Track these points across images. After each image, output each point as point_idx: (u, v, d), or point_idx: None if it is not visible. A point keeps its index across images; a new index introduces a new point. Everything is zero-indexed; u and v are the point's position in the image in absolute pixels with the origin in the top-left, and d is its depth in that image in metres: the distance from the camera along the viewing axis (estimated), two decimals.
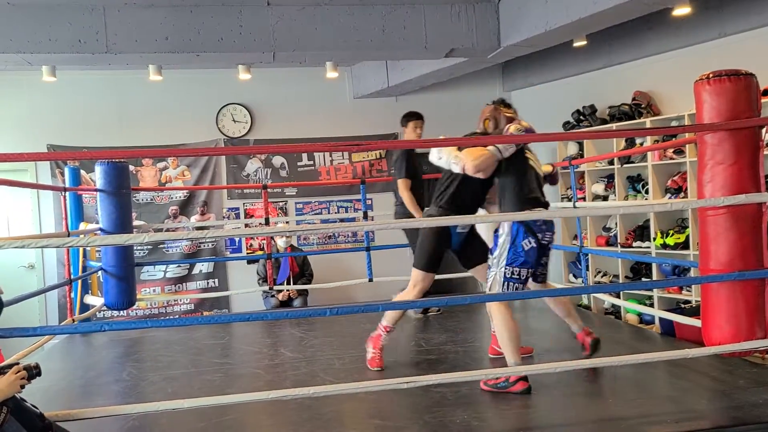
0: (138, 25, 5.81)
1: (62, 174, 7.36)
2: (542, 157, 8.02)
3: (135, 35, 5.82)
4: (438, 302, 4.25)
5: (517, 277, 3.76)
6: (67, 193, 5.85)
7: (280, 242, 7.68)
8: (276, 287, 7.10)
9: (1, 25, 5.60)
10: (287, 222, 8.33)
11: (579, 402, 3.51)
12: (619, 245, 7.02)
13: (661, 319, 5.32)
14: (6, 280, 7.03)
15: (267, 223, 6.54)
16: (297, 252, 7.93)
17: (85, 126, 7.86)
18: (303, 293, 7.50)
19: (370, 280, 6.66)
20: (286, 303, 7.48)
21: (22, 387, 2.54)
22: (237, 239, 8.37)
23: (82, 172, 7.27)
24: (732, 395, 3.37)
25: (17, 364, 2.60)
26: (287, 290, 7.38)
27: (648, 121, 6.70)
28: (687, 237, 6.32)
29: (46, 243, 3.08)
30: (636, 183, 7.02)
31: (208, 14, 5.91)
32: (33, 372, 2.59)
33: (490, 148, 3.91)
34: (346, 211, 8.54)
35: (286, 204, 8.52)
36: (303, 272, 7.71)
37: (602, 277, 7.40)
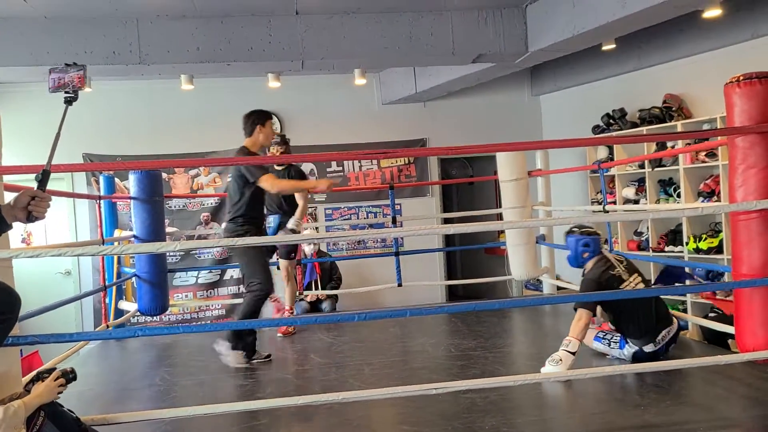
0: (170, 36, 5.92)
1: (97, 182, 7.52)
2: (571, 162, 8.00)
3: (167, 46, 5.94)
4: (467, 307, 4.26)
5: None
6: (102, 201, 5.97)
7: (307, 248, 7.74)
8: (305, 292, 7.18)
9: (38, 38, 5.75)
10: (317, 228, 8.39)
11: (611, 409, 3.48)
12: (650, 249, 6.94)
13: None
14: (43, 286, 7.24)
15: None
16: (324, 257, 7.99)
17: (119, 135, 8.03)
18: (332, 297, 7.54)
19: (399, 285, 6.67)
20: (315, 306, 7.53)
21: (60, 393, 2.60)
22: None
23: (116, 179, 7.42)
24: (766, 403, 3.32)
25: (55, 369, 2.66)
26: (315, 294, 7.46)
27: (679, 125, 6.62)
28: (720, 241, 6.22)
29: (82, 251, 3.15)
30: (668, 186, 6.94)
31: (238, 24, 6.01)
32: (69, 377, 2.65)
33: None
34: (375, 217, 8.57)
35: (315, 210, 8.58)
36: (330, 276, 7.76)
37: None
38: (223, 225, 4.82)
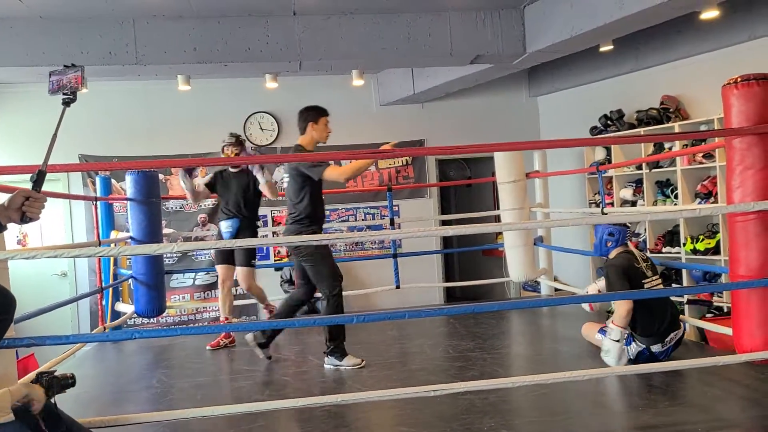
0: (167, 36, 5.91)
1: (93, 183, 7.50)
2: (569, 163, 8.00)
3: (164, 47, 5.92)
4: (466, 309, 4.24)
5: None
6: (99, 202, 5.96)
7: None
8: None
9: (33, 39, 5.73)
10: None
11: (609, 410, 3.48)
12: (648, 250, 6.94)
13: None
14: (39, 288, 7.20)
15: None
16: None
17: (115, 136, 8.01)
18: None
19: (397, 287, 6.66)
20: (312, 306, 7.53)
21: (55, 392, 2.57)
22: (265, 246, 8.44)
23: (113, 180, 7.40)
24: (764, 403, 3.32)
25: (55, 371, 2.65)
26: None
27: (677, 126, 6.62)
28: (718, 242, 6.23)
29: (79, 252, 3.14)
30: (665, 188, 6.94)
31: (236, 25, 5.99)
32: (68, 382, 2.63)
33: None
34: (373, 218, 8.55)
35: None
36: None
37: None
38: (286, 226, 4.62)
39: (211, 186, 5.47)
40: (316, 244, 4.32)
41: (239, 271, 5.29)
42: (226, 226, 5.24)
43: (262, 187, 5.19)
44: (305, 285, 4.62)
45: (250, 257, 5.29)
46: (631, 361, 4.05)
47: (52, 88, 2.58)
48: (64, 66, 2.59)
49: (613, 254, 4.30)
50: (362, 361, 4.40)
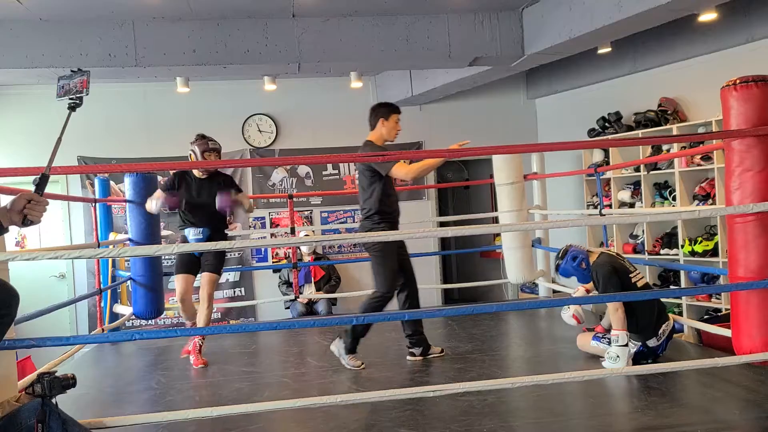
0: (166, 38, 5.92)
1: (92, 185, 7.50)
2: (567, 165, 8.01)
3: (163, 48, 5.93)
4: (464, 310, 4.24)
5: None
6: (97, 204, 5.96)
7: (304, 249, 7.78)
8: (305, 295, 7.19)
9: (33, 40, 5.74)
10: (313, 231, 8.39)
11: (608, 411, 3.49)
12: (646, 252, 6.95)
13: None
14: (38, 290, 7.19)
15: (293, 232, 6.59)
16: (321, 259, 8.01)
17: (114, 137, 8.01)
18: (330, 299, 7.56)
19: None
20: (310, 308, 7.54)
21: (52, 390, 2.58)
22: (263, 248, 8.44)
23: (111, 182, 7.40)
24: (763, 405, 3.33)
25: (55, 371, 2.65)
26: (312, 296, 7.47)
27: (674, 128, 6.63)
28: (716, 244, 6.24)
29: (79, 254, 3.14)
30: (663, 190, 6.95)
31: (235, 27, 6.00)
32: (69, 383, 2.64)
33: None
34: None
35: (311, 213, 8.57)
36: (330, 276, 7.79)
37: None
38: (360, 222, 4.62)
39: (168, 189, 4.94)
40: (381, 241, 4.30)
41: (208, 277, 4.84)
42: (195, 233, 4.85)
43: (242, 197, 4.89)
44: (402, 277, 4.57)
45: (221, 264, 4.96)
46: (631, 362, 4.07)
47: (59, 93, 2.59)
48: (71, 71, 2.61)
49: (591, 259, 4.32)
50: (362, 364, 4.40)
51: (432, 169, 4.59)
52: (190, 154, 4.98)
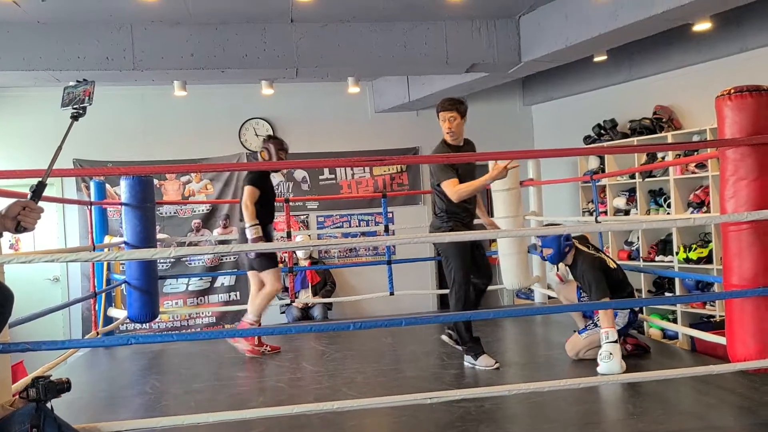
0: (164, 42, 5.92)
1: (87, 188, 7.49)
2: (563, 172, 8.04)
3: (161, 52, 5.93)
4: (462, 316, 4.25)
5: None
6: (93, 207, 5.95)
7: (300, 253, 7.77)
8: (301, 300, 7.19)
9: (31, 43, 5.73)
10: (309, 235, 8.39)
11: (604, 418, 3.50)
12: (641, 259, 6.98)
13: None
14: (31, 293, 7.16)
15: (289, 236, 6.59)
16: (317, 264, 8.01)
17: (110, 140, 7.99)
18: (325, 304, 7.56)
19: (391, 293, 6.67)
20: (306, 312, 7.53)
21: (47, 394, 2.57)
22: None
23: (107, 185, 7.39)
24: (758, 412, 3.34)
25: (50, 375, 2.65)
26: (308, 301, 7.46)
27: (669, 136, 6.67)
28: (710, 251, 6.27)
29: (75, 257, 3.15)
30: (658, 197, 6.99)
31: (233, 31, 6.01)
32: (64, 387, 2.63)
33: None
34: (367, 225, 8.57)
35: (307, 217, 8.58)
36: (325, 281, 7.79)
37: None
38: (431, 220, 4.64)
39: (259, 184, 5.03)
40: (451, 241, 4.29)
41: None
42: (271, 229, 5.20)
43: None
44: (475, 272, 4.55)
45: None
46: (622, 332, 4.27)
47: (64, 102, 2.61)
48: (77, 81, 2.62)
49: (570, 258, 4.47)
50: (496, 363, 4.35)
51: (478, 191, 4.60)
52: (262, 152, 5.18)
